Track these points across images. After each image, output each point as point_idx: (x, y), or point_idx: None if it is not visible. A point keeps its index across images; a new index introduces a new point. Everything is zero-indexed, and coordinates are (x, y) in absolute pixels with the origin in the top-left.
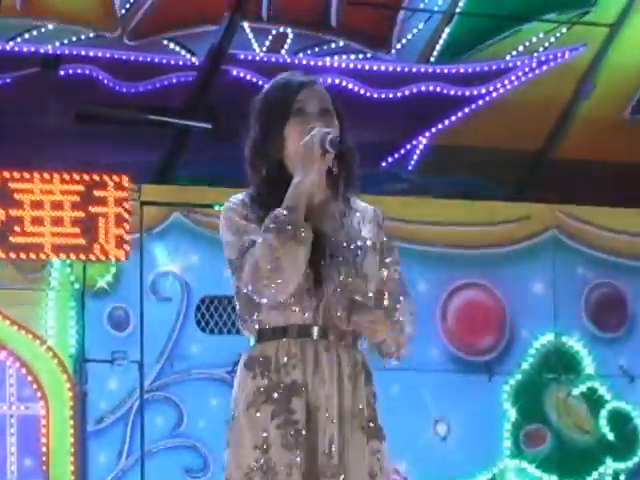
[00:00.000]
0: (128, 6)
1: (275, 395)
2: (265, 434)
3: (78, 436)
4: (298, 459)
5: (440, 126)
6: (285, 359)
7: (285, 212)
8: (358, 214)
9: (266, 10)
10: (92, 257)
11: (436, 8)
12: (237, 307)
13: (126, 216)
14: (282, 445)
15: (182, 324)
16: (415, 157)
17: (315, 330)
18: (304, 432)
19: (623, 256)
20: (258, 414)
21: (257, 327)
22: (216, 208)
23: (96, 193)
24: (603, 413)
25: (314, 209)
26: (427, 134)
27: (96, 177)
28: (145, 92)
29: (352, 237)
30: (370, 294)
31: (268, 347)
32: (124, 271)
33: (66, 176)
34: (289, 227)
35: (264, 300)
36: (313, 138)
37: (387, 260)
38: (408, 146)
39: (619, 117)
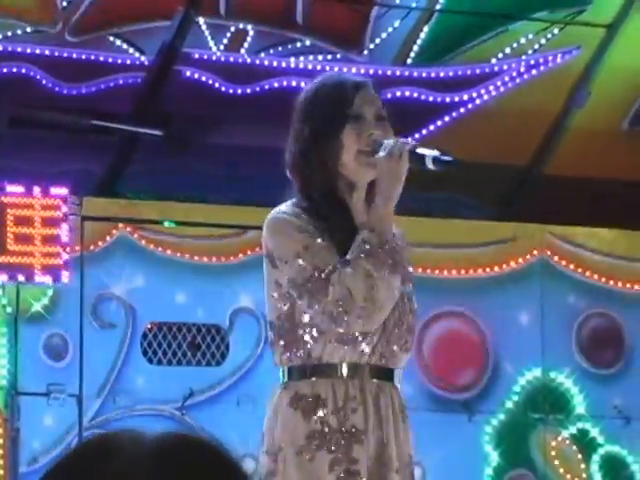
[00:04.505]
0: None
1: (333, 442)
2: None
3: (9, 478)
4: None
5: (417, 136)
6: (342, 402)
7: (377, 237)
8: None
9: (224, 4)
10: (26, 278)
11: (414, 4)
12: (277, 331)
13: (65, 233)
14: None
15: (126, 354)
16: None
17: (370, 370)
18: None
19: (620, 283)
20: (311, 461)
21: (305, 360)
22: (166, 224)
23: (31, 207)
24: (595, 458)
25: None
26: None
27: (31, 189)
28: (88, 94)
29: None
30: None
31: (320, 385)
32: (62, 294)
33: None
34: (385, 254)
35: (345, 330)
36: (400, 151)
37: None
38: None
39: (616, 128)
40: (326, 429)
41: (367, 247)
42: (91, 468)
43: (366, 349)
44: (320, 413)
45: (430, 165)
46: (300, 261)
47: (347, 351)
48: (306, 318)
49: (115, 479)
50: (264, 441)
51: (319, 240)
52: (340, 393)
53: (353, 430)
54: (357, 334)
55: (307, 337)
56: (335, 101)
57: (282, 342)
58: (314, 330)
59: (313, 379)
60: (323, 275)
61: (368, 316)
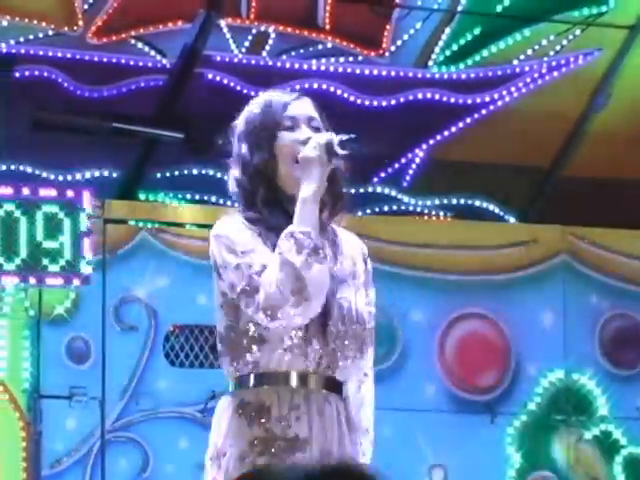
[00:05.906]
0: (91, 1)
1: (274, 448)
2: None
3: None
4: None
5: (438, 138)
6: (286, 410)
7: (301, 229)
8: (345, 244)
9: (246, 7)
10: (49, 281)
11: (436, 6)
12: (225, 341)
13: (87, 235)
14: None
15: (149, 356)
16: (410, 173)
17: (317, 379)
18: None
19: None
20: (253, 467)
21: (252, 368)
22: (188, 227)
23: (53, 209)
24: (618, 459)
25: None
26: (424, 147)
27: (54, 191)
28: (110, 97)
29: (348, 273)
30: (366, 339)
31: (265, 393)
32: (85, 297)
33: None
34: (309, 245)
35: (281, 325)
36: (314, 144)
37: (367, 299)
38: (403, 160)
39: (637, 131)
40: (269, 436)
41: (288, 240)
42: None
43: (311, 358)
44: (263, 420)
45: (339, 150)
46: (236, 266)
47: (293, 360)
48: (251, 327)
49: None
50: (209, 449)
51: (256, 244)
52: (285, 401)
53: (296, 438)
54: (299, 342)
55: (253, 346)
56: (268, 113)
57: (229, 352)
58: (259, 339)
59: (259, 387)
60: (255, 275)
61: (299, 308)
